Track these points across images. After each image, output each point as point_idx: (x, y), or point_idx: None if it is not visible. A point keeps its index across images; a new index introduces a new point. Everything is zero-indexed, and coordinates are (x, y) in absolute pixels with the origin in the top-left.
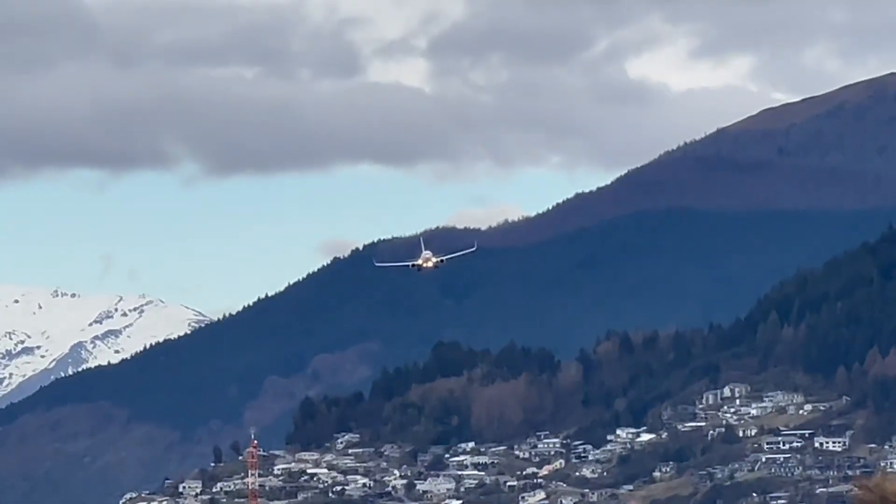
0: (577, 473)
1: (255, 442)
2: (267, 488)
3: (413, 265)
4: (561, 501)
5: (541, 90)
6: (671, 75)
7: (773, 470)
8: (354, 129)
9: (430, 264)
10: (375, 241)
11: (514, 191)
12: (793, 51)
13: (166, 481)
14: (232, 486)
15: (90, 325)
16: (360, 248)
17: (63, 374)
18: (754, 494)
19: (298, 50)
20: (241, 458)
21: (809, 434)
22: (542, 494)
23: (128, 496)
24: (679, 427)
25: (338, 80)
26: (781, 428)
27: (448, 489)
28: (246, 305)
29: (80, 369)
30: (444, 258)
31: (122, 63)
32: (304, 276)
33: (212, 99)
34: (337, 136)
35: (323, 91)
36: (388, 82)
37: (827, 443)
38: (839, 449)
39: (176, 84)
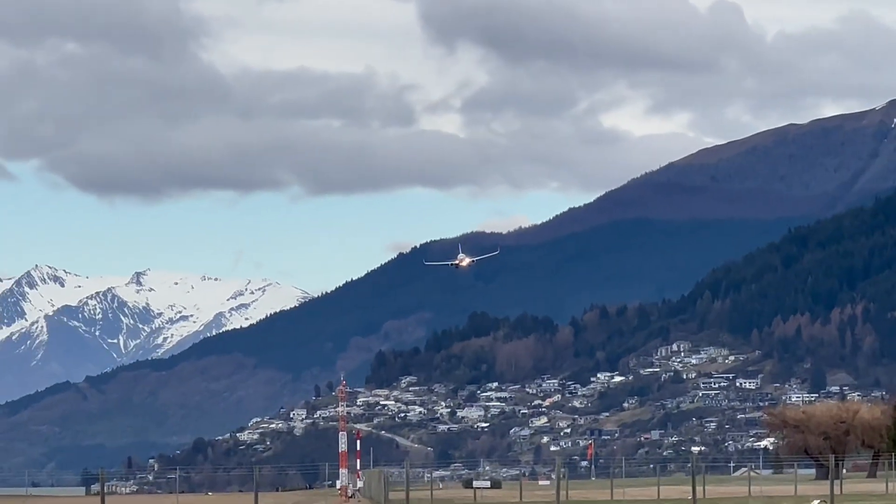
0: (570, 404)
1: (344, 382)
2: (351, 415)
3: (452, 264)
4: (558, 423)
5: (542, 136)
6: (633, 125)
7: (706, 402)
8: (410, 163)
9: (464, 264)
10: (427, 241)
11: (525, 206)
12: (718, 108)
13: (281, 409)
14: (327, 413)
15: (227, 300)
16: (417, 246)
17: (208, 335)
18: (694, 419)
19: (371, 107)
20: (333, 393)
21: (732, 377)
22: (545, 419)
23: (254, 420)
24: (641, 372)
25: (398, 128)
26: (713, 373)
27: (479, 415)
28: (337, 286)
29: (220, 331)
30: (475, 259)
31: (246, 116)
32: (378, 265)
33: (310, 141)
34: (398, 167)
35: (388, 136)
36: (433, 130)
37: (744, 383)
38: (753, 387)
39: (284, 131)
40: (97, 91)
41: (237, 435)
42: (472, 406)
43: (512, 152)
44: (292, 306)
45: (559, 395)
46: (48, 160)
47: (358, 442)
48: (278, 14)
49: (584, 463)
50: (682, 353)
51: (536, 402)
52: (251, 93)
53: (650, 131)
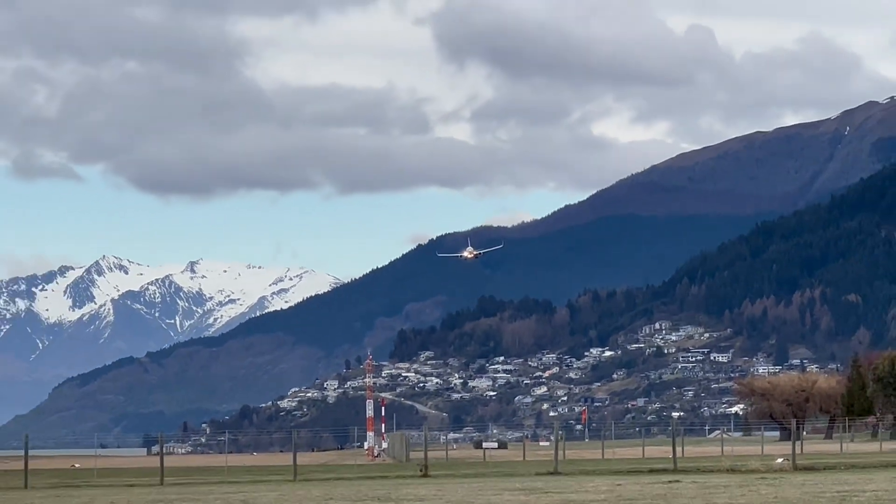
0: (566, 375)
1: (371, 357)
2: (377, 385)
3: (460, 256)
4: (556, 392)
5: (541, 142)
6: (619, 133)
7: (685, 373)
8: (426, 166)
9: (471, 256)
10: (442, 234)
11: (527, 204)
12: (694, 118)
13: (316, 380)
14: (356, 384)
15: (269, 285)
16: (434, 238)
17: (253, 316)
18: (674, 388)
19: (392, 117)
20: (361, 366)
21: (707, 351)
22: (545, 388)
23: (293, 390)
24: (628, 347)
25: (416, 135)
26: (690, 348)
27: (488, 385)
28: (364, 273)
29: (263, 313)
30: (481, 252)
31: (284, 125)
32: (399, 255)
33: (340, 147)
34: (416, 169)
35: (407, 142)
36: (447, 137)
37: (718, 357)
38: (725, 361)
39: (318, 138)
40: (155, 103)
41: (278, 403)
42: (481, 377)
43: (515, 156)
44: (326, 291)
45: (557, 368)
46: (112, 164)
47: (383, 408)
48: (312, 36)
49: (579, 426)
50: (664, 331)
51: (537, 373)
52: (288, 105)
53: (634, 138)
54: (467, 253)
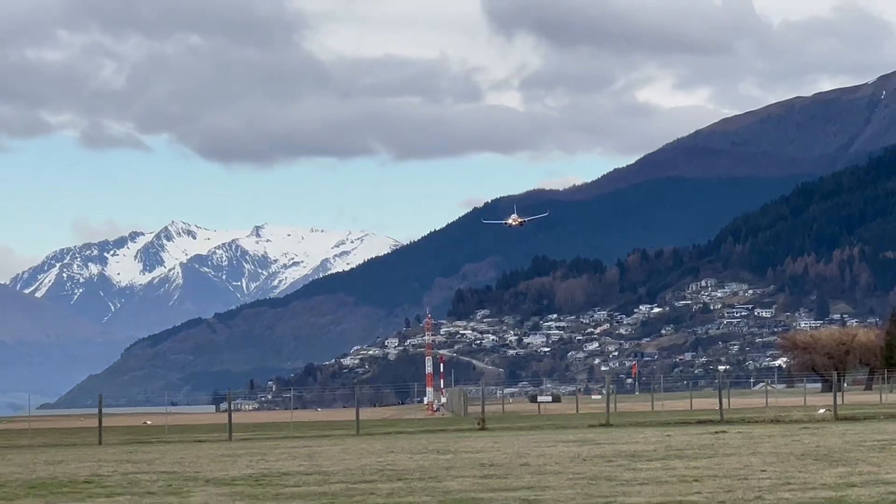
0: (617, 332)
1: (429, 315)
2: (435, 342)
3: (505, 223)
4: (607, 348)
5: (589, 109)
6: (662, 99)
7: (730, 328)
8: (478, 132)
9: (516, 223)
10: (497, 197)
11: (576, 168)
12: (734, 84)
13: (377, 338)
14: (415, 342)
15: (332, 248)
16: (489, 201)
17: (316, 278)
18: (720, 343)
19: (445, 86)
20: (420, 325)
21: (751, 307)
22: (597, 344)
23: (355, 348)
24: (676, 304)
25: (468, 104)
26: (735, 304)
27: (542, 342)
28: (423, 235)
29: (326, 274)
30: (525, 219)
31: (342, 95)
32: (456, 217)
33: (395, 115)
34: (468, 136)
35: (460, 110)
36: (498, 105)
37: (761, 312)
38: (769, 316)
39: (375, 107)
40: (217, 76)
41: (341, 360)
42: (535, 334)
43: (563, 123)
44: (385, 253)
45: (608, 324)
46: (177, 134)
47: (441, 365)
48: (367, 10)
49: (629, 380)
50: (710, 288)
51: (589, 330)
52: (345, 76)
53: (677, 104)
54: (511, 220)
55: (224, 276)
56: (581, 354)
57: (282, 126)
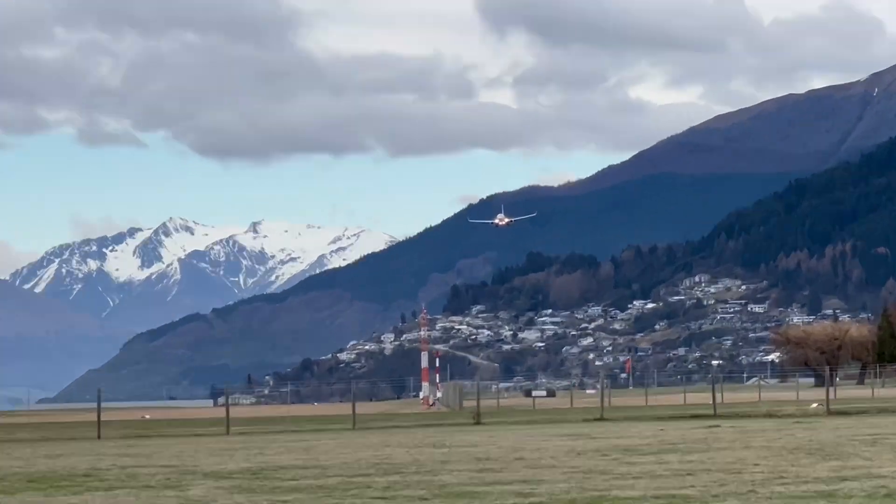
0: (611, 327)
1: (425, 311)
2: (431, 337)
3: (493, 223)
4: (602, 343)
5: (581, 106)
6: (654, 96)
7: (723, 324)
8: (472, 129)
9: (503, 223)
10: (491, 193)
11: (570, 165)
12: (725, 81)
13: (373, 334)
14: (411, 336)
15: (328, 244)
16: (484, 198)
17: (313, 273)
18: (713, 338)
19: (439, 83)
20: (416, 320)
21: (744, 303)
22: (591, 339)
23: (351, 343)
24: (669, 299)
25: (462, 101)
26: (728, 299)
27: (536, 337)
28: (418, 231)
29: (322, 270)
30: (512, 219)
31: (337, 92)
32: (451, 214)
33: (390, 112)
34: (463, 132)
35: (454, 107)
36: (491, 102)
37: (754, 307)
38: (761, 311)
39: (369, 104)
40: (213, 73)
41: (337, 355)
42: (530, 329)
43: (556, 119)
44: (382, 248)
45: (602, 320)
46: (174, 131)
47: (437, 360)
48: (362, 7)
49: (623, 375)
50: (703, 284)
51: (583, 325)
52: (341, 73)
53: (669, 101)
54: (499, 220)
55: (222, 272)
56: (575, 349)
57: (277, 123)
